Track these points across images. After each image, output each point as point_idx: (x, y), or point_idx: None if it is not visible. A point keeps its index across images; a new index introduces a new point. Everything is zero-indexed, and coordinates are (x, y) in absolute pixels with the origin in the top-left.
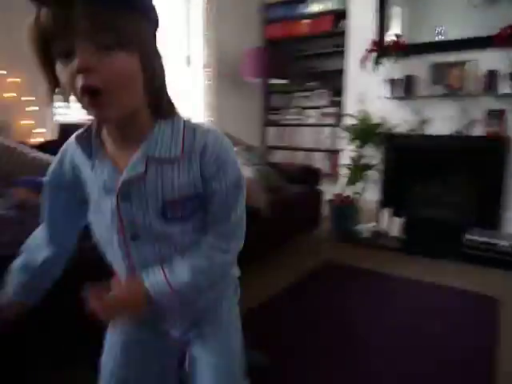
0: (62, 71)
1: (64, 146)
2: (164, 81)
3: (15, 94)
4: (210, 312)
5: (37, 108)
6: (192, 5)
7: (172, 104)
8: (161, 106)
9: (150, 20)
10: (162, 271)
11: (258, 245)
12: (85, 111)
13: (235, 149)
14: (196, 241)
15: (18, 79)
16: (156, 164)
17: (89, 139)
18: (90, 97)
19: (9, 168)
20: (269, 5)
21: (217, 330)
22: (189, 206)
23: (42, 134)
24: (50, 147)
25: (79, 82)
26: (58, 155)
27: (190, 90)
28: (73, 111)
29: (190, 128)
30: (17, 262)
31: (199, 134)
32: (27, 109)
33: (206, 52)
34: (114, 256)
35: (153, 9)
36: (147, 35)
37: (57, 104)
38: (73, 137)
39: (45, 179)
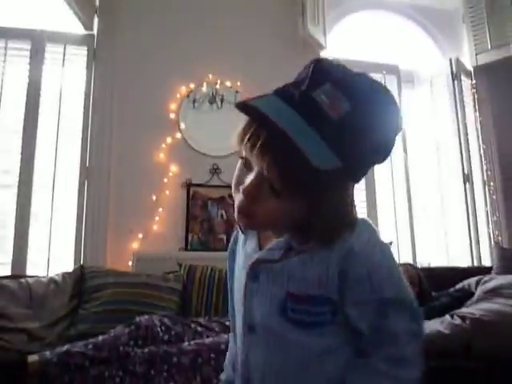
0: (238, 168)
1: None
2: (337, 216)
3: None
4: None
5: None
6: (466, 118)
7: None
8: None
9: (348, 171)
10: None
11: None
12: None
13: None
14: (317, 372)
15: None
16: (293, 254)
17: None
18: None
19: None
20: None
21: None
22: (313, 312)
23: None
24: None
25: (238, 199)
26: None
27: (469, 209)
28: None
29: None
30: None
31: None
32: None
33: (484, 166)
34: (238, 353)
35: (351, 161)
36: (323, 184)
37: None
38: None
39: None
